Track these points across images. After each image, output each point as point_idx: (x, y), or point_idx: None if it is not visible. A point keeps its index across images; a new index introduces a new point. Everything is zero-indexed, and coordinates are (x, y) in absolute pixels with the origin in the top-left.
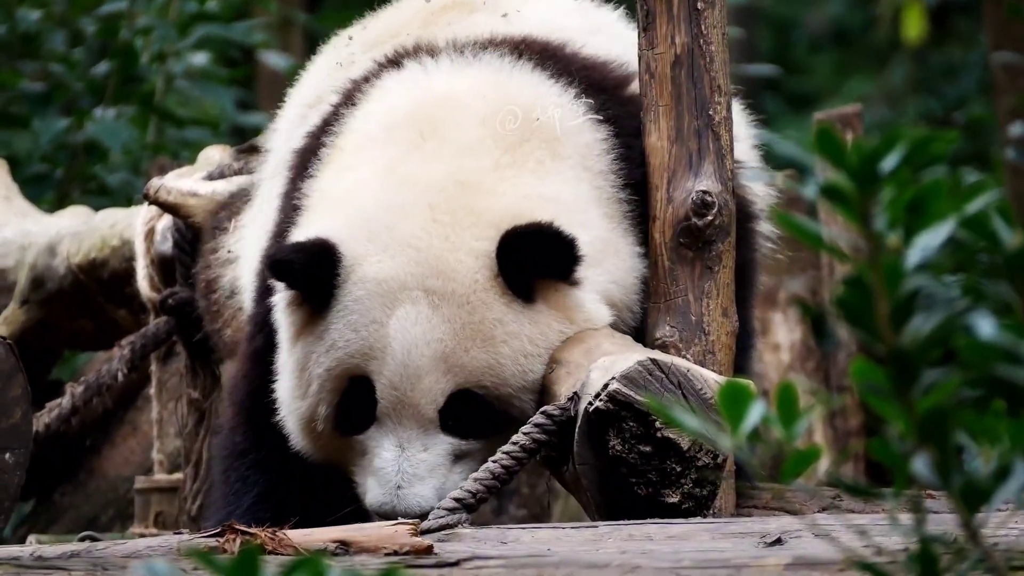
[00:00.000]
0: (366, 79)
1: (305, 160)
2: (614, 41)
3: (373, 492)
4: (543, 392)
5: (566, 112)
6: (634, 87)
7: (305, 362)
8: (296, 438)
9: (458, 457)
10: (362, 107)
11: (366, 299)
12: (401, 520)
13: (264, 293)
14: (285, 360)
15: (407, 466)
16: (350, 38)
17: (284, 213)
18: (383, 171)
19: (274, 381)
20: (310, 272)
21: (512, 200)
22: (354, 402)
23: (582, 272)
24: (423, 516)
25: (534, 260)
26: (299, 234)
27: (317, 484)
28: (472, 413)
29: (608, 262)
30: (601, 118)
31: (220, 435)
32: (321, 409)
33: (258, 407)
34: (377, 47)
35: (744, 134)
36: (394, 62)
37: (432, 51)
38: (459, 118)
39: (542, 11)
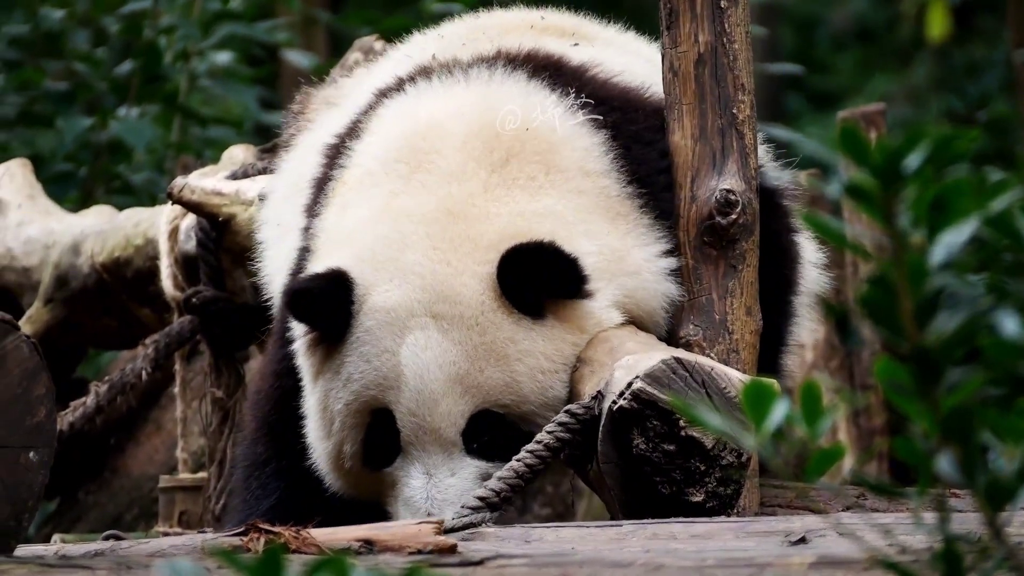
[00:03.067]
0: (369, 108)
1: (316, 196)
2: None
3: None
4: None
5: (557, 119)
6: (647, 98)
7: (325, 400)
8: (330, 479)
9: (486, 480)
10: (364, 139)
11: (376, 329)
12: (425, 519)
13: (287, 333)
14: (309, 402)
15: (435, 492)
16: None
17: (299, 251)
18: (380, 207)
19: (296, 397)
20: (327, 300)
21: (507, 220)
22: (379, 436)
23: (592, 285)
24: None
25: (537, 278)
26: (312, 269)
27: (335, 496)
28: (496, 434)
29: (618, 268)
30: (598, 123)
31: (242, 446)
32: (347, 447)
33: (279, 420)
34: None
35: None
36: (395, 88)
37: (427, 73)
38: (440, 145)
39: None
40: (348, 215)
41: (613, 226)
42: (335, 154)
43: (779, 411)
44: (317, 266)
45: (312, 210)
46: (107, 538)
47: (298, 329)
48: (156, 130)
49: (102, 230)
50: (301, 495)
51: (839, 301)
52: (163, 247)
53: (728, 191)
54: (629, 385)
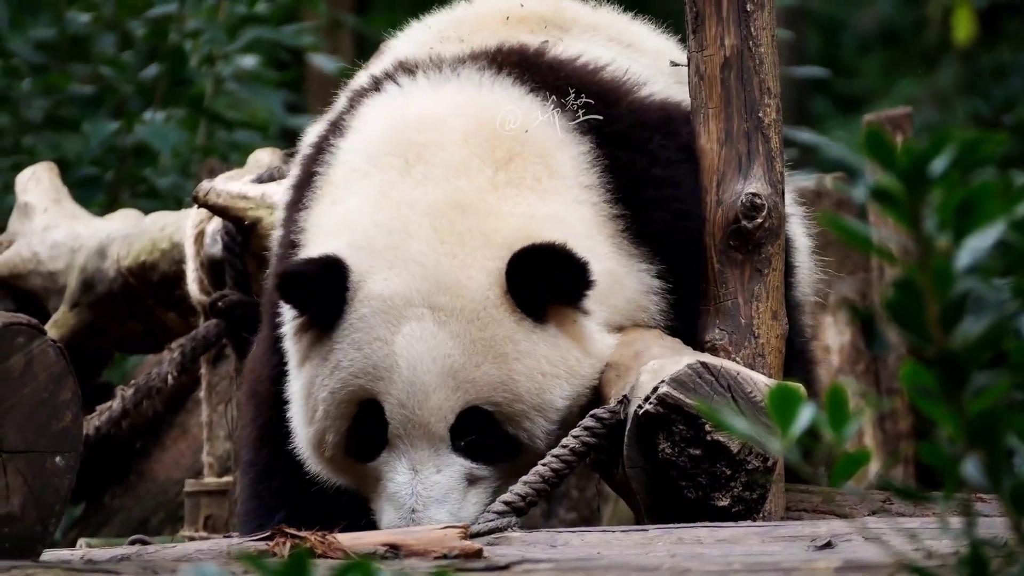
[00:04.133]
0: (350, 105)
1: (300, 191)
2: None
3: (388, 516)
4: (591, 396)
5: (548, 125)
6: (630, 95)
7: (310, 387)
8: (311, 464)
9: (471, 482)
10: (347, 136)
11: (370, 317)
12: (451, 524)
13: (277, 319)
14: (294, 386)
15: (421, 489)
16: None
17: (282, 247)
18: (376, 197)
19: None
20: (318, 286)
21: (520, 220)
22: (364, 429)
23: (592, 303)
24: None
25: (545, 281)
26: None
27: (345, 500)
28: (483, 433)
29: (613, 293)
30: (584, 128)
31: (246, 448)
32: (329, 436)
33: (282, 423)
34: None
35: None
36: (374, 86)
37: (410, 70)
38: (440, 139)
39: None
40: (338, 208)
41: (607, 246)
42: (318, 152)
43: (805, 415)
44: (309, 252)
45: (296, 206)
46: (133, 542)
47: (287, 313)
48: (182, 134)
49: (128, 234)
50: (314, 502)
51: (865, 305)
52: (189, 251)
53: (754, 195)
54: (655, 389)
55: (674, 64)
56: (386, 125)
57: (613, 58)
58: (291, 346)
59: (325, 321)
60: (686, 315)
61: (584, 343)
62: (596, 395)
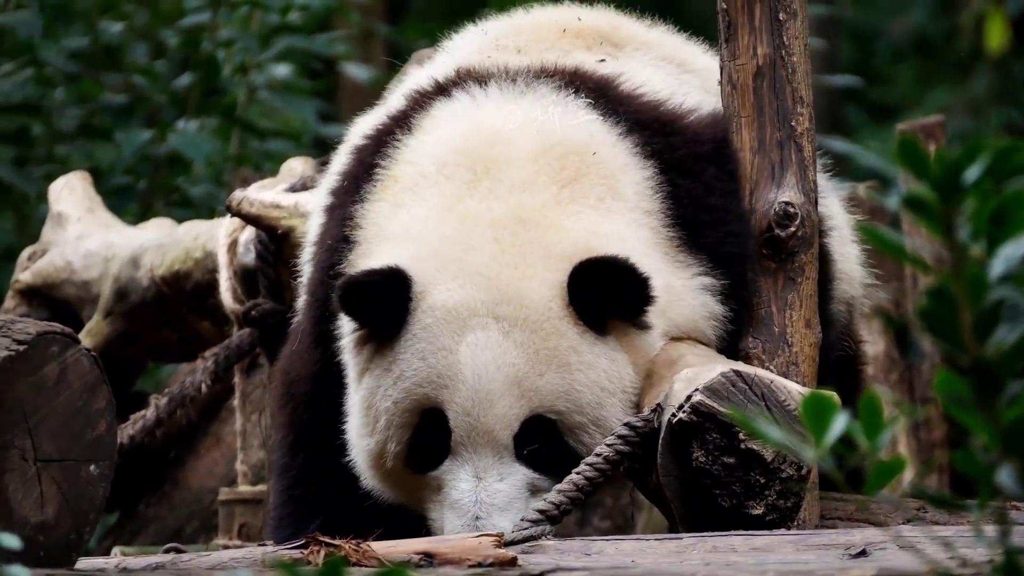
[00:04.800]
0: (416, 105)
1: (355, 182)
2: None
3: (451, 525)
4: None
5: (615, 149)
6: (688, 122)
7: (372, 398)
8: (366, 477)
9: (533, 493)
10: (416, 137)
11: (435, 327)
12: (485, 532)
13: (322, 312)
14: (353, 399)
15: (484, 496)
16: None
17: (334, 239)
18: (443, 209)
19: (336, 400)
20: (381, 297)
21: (581, 235)
22: (427, 437)
23: (652, 318)
24: None
25: (606, 294)
26: (361, 265)
27: (386, 510)
28: (546, 442)
29: (671, 307)
30: (647, 153)
31: (279, 454)
32: (391, 446)
33: (319, 426)
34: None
35: None
36: (442, 90)
37: (481, 79)
38: (510, 155)
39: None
40: (402, 213)
41: (667, 266)
42: (378, 145)
43: (839, 424)
44: (370, 262)
45: (349, 197)
46: (167, 551)
47: (347, 325)
48: (215, 143)
49: (161, 243)
50: (349, 509)
51: (899, 314)
52: (222, 260)
53: (787, 203)
54: (688, 398)
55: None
56: (458, 134)
57: (666, 78)
58: (350, 359)
59: (387, 332)
60: (737, 328)
61: (639, 360)
62: None
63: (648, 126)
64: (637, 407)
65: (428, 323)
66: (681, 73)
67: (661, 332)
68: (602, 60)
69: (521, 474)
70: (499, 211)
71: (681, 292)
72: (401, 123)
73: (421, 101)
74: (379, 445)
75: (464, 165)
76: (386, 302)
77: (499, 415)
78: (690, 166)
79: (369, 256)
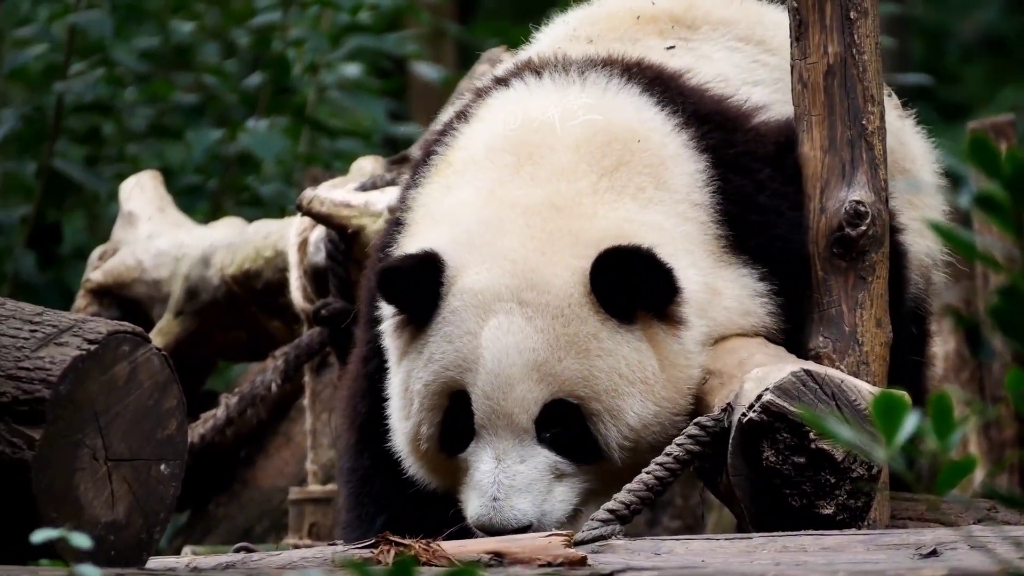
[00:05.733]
0: (478, 96)
1: (416, 170)
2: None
3: (472, 505)
4: (695, 404)
5: (667, 139)
6: (752, 122)
7: (407, 381)
8: (406, 460)
9: (557, 477)
10: (472, 124)
11: (462, 310)
12: (555, 532)
13: (375, 314)
14: (393, 383)
15: (503, 477)
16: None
17: (390, 224)
18: (485, 193)
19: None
20: (416, 281)
21: (613, 223)
22: (456, 420)
23: (690, 316)
24: (522, 531)
25: (629, 283)
26: (405, 247)
27: (447, 509)
28: (568, 426)
29: (712, 306)
30: (702, 147)
31: (345, 456)
32: (424, 428)
33: (379, 425)
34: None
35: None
36: (503, 80)
37: (537, 69)
38: (553, 142)
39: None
40: (450, 196)
41: (710, 263)
42: (441, 135)
43: (910, 424)
44: (413, 243)
45: (410, 183)
46: (238, 550)
47: (386, 311)
48: (285, 142)
49: (232, 242)
50: (418, 508)
51: (969, 312)
52: (292, 259)
53: (858, 202)
54: (759, 397)
55: None
56: (507, 121)
57: (739, 63)
58: (390, 344)
59: (423, 316)
60: (788, 327)
61: (665, 356)
62: (698, 404)
63: (708, 120)
64: (670, 420)
65: (456, 307)
66: (759, 55)
67: (703, 332)
68: (671, 47)
69: (543, 457)
70: (536, 197)
71: (724, 292)
72: (461, 114)
73: (482, 92)
74: (415, 428)
75: (509, 151)
76: (421, 286)
77: (518, 399)
78: (746, 164)
79: (414, 237)
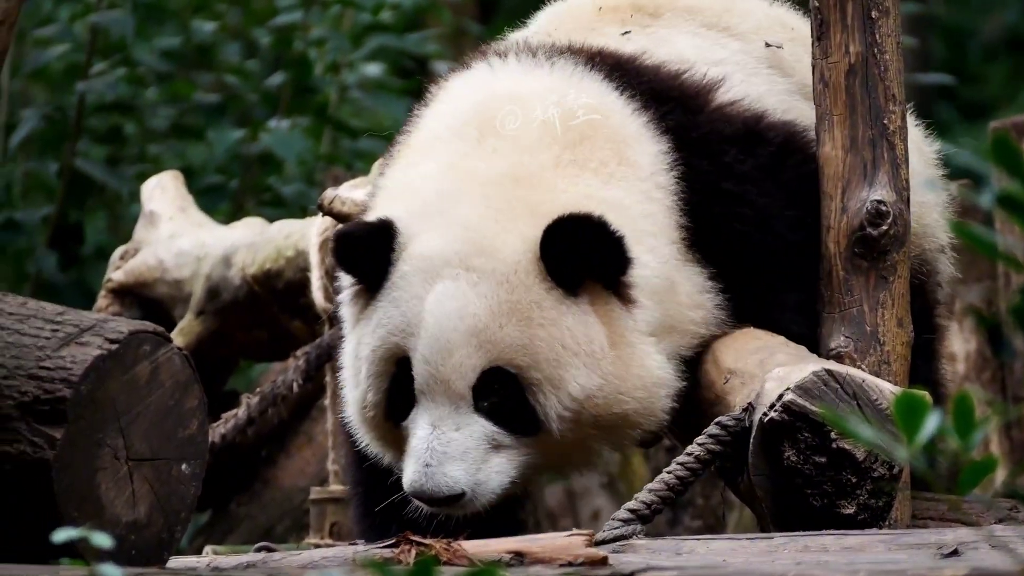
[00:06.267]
0: (438, 82)
1: (383, 163)
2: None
3: (407, 472)
4: (715, 403)
5: (625, 117)
6: (713, 103)
7: (357, 348)
8: (357, 430)
9: (494, 448)
10: (431, 107)
11: (411, 275)
12: (576, 531)
13: None
14: (345, 351)
15: (436, 444)
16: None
17: (358, 214)
18: (445, 166)
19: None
20: (370, 248)
21: (572, 198)
22: (400, 387)
23: (641, 297)
24: (454, 499)
25: (578, 252)
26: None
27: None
28: (505, 396)
29: (667, 296)
30: (662, 129)
31: (348, 469)
32: (370, 395)
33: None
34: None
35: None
36: (464, 64)
37: (501, 52)
38: (517, 116)
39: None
40: (412, 172)
41: (669, 249)
42: (404, 126)
43: (931, 423)
44: (369, 217)
45: (380, 175)
46: (259, 550)
47: (344, 280)
48: (306, 142)
49: (253, 242)
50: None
51: (991, 312)
52: (314, 259)
53: (879, 202)
54: (780, 397)
55: (768, 45)
56: (471, 97)
57: (700, 47)
58: (346, 313)
59: (376, 284)
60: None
61: (615, 332)
62: (719, 404)
63: (665, 100)
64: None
65: (405, 271)
66: (723, 39)
67: (655, 317)
68: (626, 33)
69: (479, 426)
70: (497, 169)
71: (679, 284)
72: (422, 100)
73: (441, 79)
74: (362, 395)
75: (473, 124)
76: (375, 253)
77: (456, 365)
78: (709, 146)
79: (373, 211)
